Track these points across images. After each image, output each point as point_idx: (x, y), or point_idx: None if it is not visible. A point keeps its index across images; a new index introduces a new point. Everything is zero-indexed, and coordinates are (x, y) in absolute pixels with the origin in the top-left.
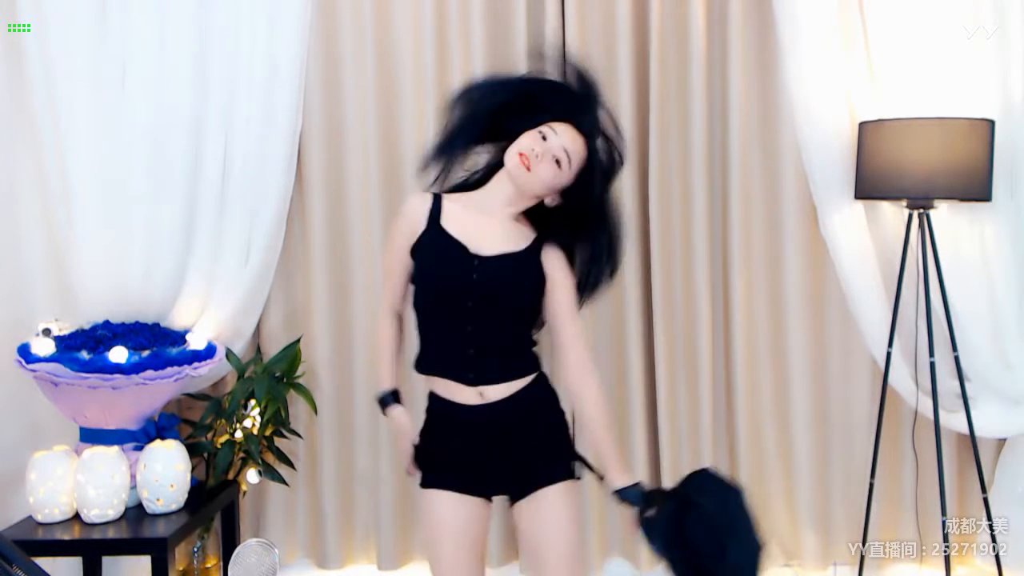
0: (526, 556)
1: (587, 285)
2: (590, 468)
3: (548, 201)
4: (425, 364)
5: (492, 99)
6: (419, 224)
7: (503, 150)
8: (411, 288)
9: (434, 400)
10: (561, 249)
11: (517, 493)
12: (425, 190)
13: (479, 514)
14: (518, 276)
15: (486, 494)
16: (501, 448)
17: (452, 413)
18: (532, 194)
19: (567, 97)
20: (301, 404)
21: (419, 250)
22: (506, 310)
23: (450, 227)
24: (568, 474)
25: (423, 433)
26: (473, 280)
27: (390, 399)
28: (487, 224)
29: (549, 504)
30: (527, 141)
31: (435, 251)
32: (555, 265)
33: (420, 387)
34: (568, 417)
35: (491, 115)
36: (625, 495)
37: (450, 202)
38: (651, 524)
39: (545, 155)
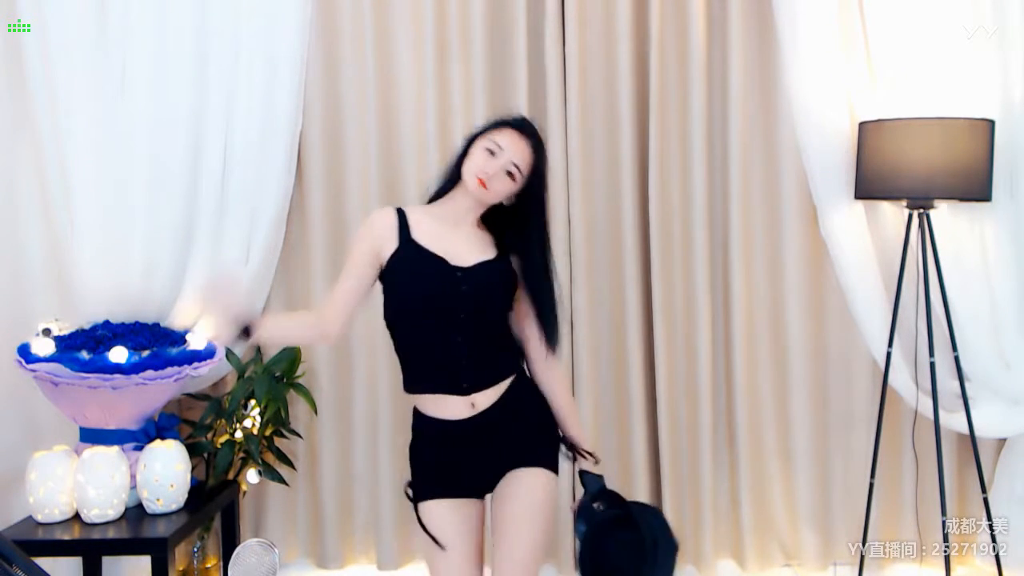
0: (493, 534)
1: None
2: (572, 449)
3: (506, 201)
4: (416, 382)
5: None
6: (388, 240)
7: (457, 163)
8: (360, 307)
9: (421, 419)
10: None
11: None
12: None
13: (475, 514)
14: (502, 281)
15: (479, 493)
16: (490, 450)
17: (441, 430)
18: (492, 203)
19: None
20: (301, 404)
21: (397, 267)
22: (495, 315)
23: (424, 241)
24: (551, 464)
25: (412, 449)
26: (462, 292)
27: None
28: (456, 234)
29: (526, 484)
30: (481, 162)
31: (417, 266)
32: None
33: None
34: None
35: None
36: (586, 479)
37: (416, 215)
38: (591, 514)
39: (498, 172)
